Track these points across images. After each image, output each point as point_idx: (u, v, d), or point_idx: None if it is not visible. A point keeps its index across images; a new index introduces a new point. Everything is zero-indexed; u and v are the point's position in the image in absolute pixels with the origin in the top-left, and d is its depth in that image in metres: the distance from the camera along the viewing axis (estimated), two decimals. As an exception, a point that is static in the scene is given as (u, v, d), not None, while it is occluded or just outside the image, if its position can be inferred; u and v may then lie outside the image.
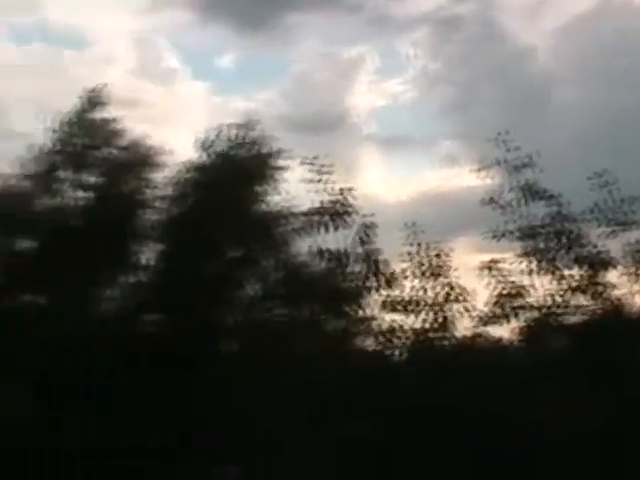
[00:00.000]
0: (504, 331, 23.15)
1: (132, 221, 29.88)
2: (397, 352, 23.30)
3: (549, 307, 22.83)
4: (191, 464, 25.41)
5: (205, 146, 29.88)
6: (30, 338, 26.62)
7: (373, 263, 22.86)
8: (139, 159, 30.01)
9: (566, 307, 23.06)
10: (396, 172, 56.58)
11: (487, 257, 22.87)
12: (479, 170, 22.82)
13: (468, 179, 24.65)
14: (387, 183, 53.18)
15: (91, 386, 24.42)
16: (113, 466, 22.84)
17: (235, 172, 29.43)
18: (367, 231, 22.93)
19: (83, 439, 22.78)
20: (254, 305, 28.70)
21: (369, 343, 23.62)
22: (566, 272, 22.75)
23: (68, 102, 29.89)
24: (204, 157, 29.86)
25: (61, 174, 30.01)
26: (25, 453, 23.00)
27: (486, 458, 20.78)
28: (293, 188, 27.66)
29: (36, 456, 23.03)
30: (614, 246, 23.32)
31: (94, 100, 30.12)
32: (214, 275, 27.57)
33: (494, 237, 22.83)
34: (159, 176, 29.93)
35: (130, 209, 29.65)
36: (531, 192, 22.87)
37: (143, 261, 29.88)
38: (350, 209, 23.11)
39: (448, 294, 22.70)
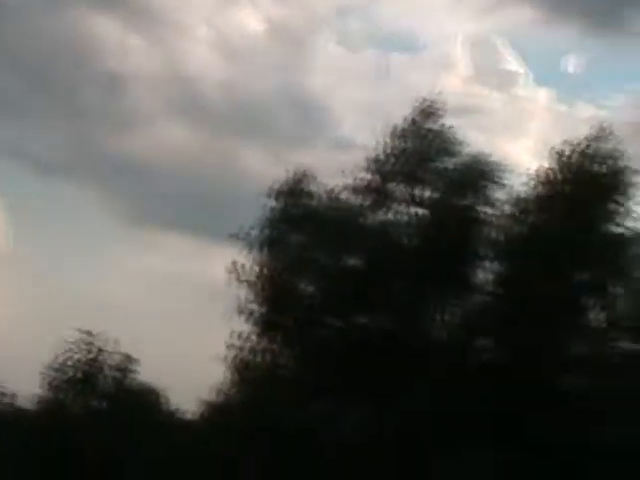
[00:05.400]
0: None
1: (468, 240, 27.85)
2: None
3: None
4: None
5: (551, 159, 27.83)
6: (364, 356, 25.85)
7: None
8: (477, 172, 27.89)
9: None
10: None
11: None
12: None
13: None
14: None
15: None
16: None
17: (585, 189, 27.28)
18: None
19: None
20: (599, 336, 26.51)
21: None
22: None
23: (400, 110, 28.48)
24: (550, 171, 27.60)
25: (393, 187, 28.02)
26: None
27: None
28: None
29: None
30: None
31: (428, 109, 28.06)
32: (556, 300, 25.71)
33: None
34: (498, 190, 28.17)
35: (466, 227, 27.75)
36: None
37: (479, 282, 27.76)
38: None
39: None
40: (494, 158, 28.18)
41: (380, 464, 25.15)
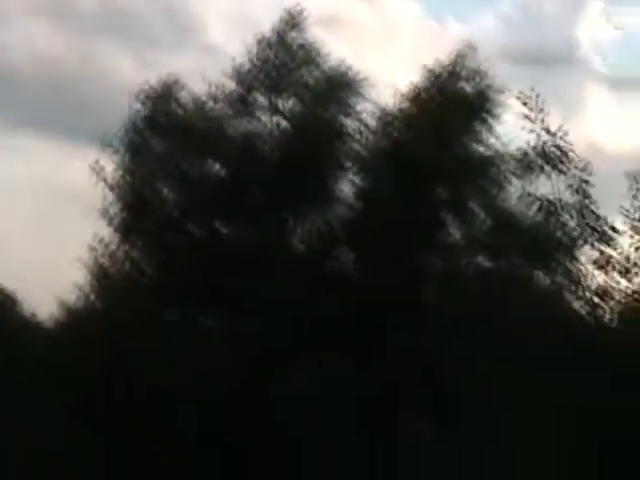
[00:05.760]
0: None
1: (330, 152, 27.48)
2: (607, 316, 20.19)
3: None
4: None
5: (419, 76, 27.45)
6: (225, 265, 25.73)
7: (589, 216, 19.89)
8: (340, 84, 27.04)
9: None
10: (624, 116, 51.49)
11: None
12: None
13: None
14: (611, 128, 50.22)
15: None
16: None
17: (451, 106, 27.01)
18: (584, 179, 19.95)
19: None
20: (457, 252, 26.53)
21: (578, 304, 20.86)
22: None
23: (267, 18, 28.16)
24: (417, 88, 27.41)
25: (257, 97, 27.94)
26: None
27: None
28: (507, 126, 25.78)
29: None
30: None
31: (293, 20, 27.82)
32: (416, 216, 25.66)
33: None
34: (362, 104, 27.87)
35: (329, 139, 27.45)
36: None
37: (340, 195, 27.53)
38: (567, 153, 19.98)
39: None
40: (360, 71, 28.25)
41: (239, 374, 25.45)
